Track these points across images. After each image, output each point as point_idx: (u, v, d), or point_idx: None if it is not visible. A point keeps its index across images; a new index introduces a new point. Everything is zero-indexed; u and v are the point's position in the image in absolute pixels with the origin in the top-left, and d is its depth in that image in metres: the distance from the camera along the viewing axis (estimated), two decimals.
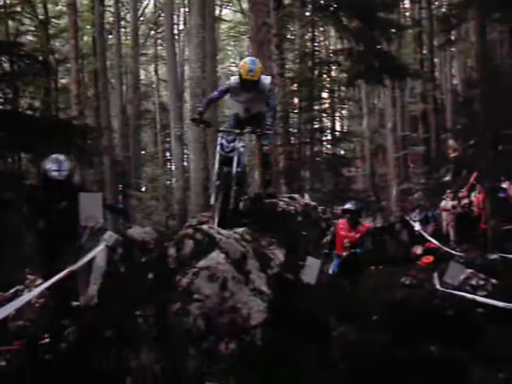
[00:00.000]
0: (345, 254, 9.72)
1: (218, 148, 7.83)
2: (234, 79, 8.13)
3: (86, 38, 32.24)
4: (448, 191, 19.71)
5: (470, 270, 9.45)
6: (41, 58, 22.19)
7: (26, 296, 4.47)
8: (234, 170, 7.52)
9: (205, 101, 9.10)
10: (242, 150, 7.83)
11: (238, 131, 7.89)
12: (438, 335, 6.48)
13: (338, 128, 34.18)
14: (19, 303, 4.80)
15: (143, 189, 32.29)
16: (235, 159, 7.67)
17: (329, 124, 30.36)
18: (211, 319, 4.89)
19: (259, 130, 7.95)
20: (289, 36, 26.23)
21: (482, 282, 9.10)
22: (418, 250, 16.01)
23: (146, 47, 40.01)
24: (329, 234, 10.24)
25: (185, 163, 23.87)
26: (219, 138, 7.89)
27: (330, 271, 9.72)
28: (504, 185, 16.28)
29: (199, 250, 5.34)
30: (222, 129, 8.32)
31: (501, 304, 6.35)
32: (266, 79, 8.10)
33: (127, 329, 5.00)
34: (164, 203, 28.52)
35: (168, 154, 35.63)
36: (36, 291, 4.63)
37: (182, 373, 4.70)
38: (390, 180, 26.28)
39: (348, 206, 10.20)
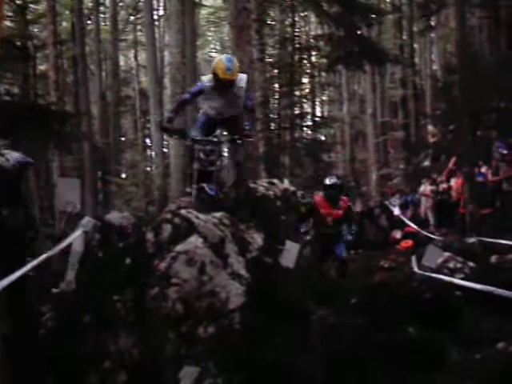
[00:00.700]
0: (346, 237, 9.39)
1: (196, 163, 7.07)
2: (207, 79, 7.35)
3: (64, 24, 31.90)
4: (427, 176, 19.86)
5: (447, 254, 9.55)
6: (19, 43, 21.97)
7: (4, 281, 4.41)
8: (214, 193, 6.93)
9: (175, 106, 8.03)
10: (225, 162, 7.21)
11: (215, 140, 7.12)
12: (416, 318, 6.54)
13: (318, 114, 34.22)
14: None
15: (123, 175, 32.11)
16: (215, 176, 7.04)
17: (309, 110, 30.36)
18: (189, 303, 4.89)
19: (238, 137, 7.19)
20: (269, 21, 26.13)
21: (459, 265, 9.20)
22: (397, 234, 16.16)
23: (126, 33, 39.63)
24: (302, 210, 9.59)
25: (165, 149, 23.76)
26: (196, 150, 7.09)
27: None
28: (482, 169, 16.41)
29: (177, 234, 5.33)
30: (197, 138, 7.21)
31: (478, 286, 6.40)
32: (242, 79, 7.27)
33: (105, 314, 4.98)
34: (144, 189, 28.40)
35: (148, 140, 35.45)
36: (13, 276, 4.57)
37: (161, 357, 4.70)
38: (370, 165, 26.39)
39: (331, 180, 9.55)
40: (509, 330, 6.48)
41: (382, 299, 6.92)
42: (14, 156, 5.50)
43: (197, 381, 4.51)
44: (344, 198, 9.54)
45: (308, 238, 9.54)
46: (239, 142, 7.28)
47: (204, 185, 7.03)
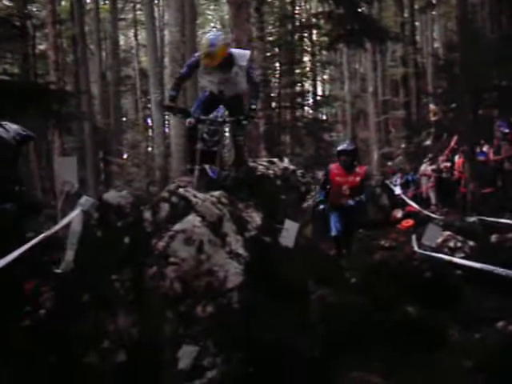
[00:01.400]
0: (347, 202, 8.92)
1: (199, 142, 6.97)
2: (198, 54, 7.09)
3: (63, 3, 31.71)
4: (428, 155, 19.82)
5: (448, 233, 9.54)
6: (17, 23, 21.82)
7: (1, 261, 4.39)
8: (216, 175, 7.05)
9: (174, 81, 7.67)
10: (227, 142, 7.25)
11: (220, 120, 7.13)
12: (416, 297, 6.53)
13: (319, 92, 34.08)
14: None
15: (124, 156, 32.09)
16: (218, 156, 7.13)
17: (310, 88, 30.24)
18: (188, 282, 4.87)
19: (243, 118, 6.99)
20: None
21: (459, 244, 9.19)
22: (398, 213, 16.15)
23: (125, 12, 39.45)
24: (320, 182, 9.51)
25: (166, 129, 23.74)
26: (199, 130, 7.00)
27: (333, 231, 9.04)
28: (484, 148, 16.36)
29: (175, 213, 5.30)
30: (202, 117, 7.08)
31: (478, 265, 6.38)
32: (243, 56, 6.97)
33: (104, 293, 4.97)
34: (145, 170, 28.39)
35: (149, 120, 35.39)
36: (10, 257, 4.55)
37: (160, 336, 4.69)
38: (371, 144, 26.30)
39: (343, 146, 9.32)
40: (509, 309, 6.48)
41: (382, 278, 6.92)
42: (13, 128, 5.43)
43: (195, 360, 4.50)
44: (361, 166, 9.38)
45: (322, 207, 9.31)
46: (245, 122, 7.14)
47: (206, 166, 7.12)
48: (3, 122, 5.43)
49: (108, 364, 4.60)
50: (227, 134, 7.59)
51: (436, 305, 6.47)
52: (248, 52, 7.28)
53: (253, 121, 7.56)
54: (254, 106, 7.08)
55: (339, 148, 9.30)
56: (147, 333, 4.72)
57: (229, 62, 6.87)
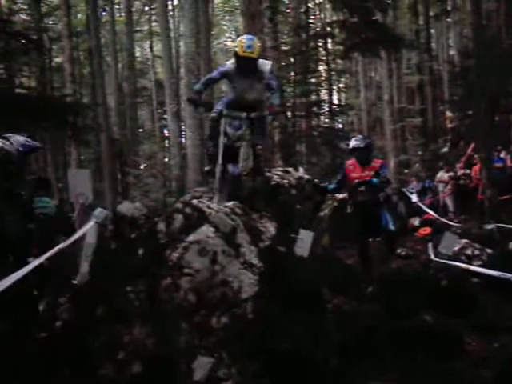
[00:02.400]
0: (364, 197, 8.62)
1: (222, 137, 7.20)
2: (230, 63, 7.43)
3: (79, 16, 32.00)
4: (445, 162, 19.74)
5: (465, 240, 9.47)
6: (34, 36, 22.05)
7: (19, 273, 4.43)
8: (238, 173, 7.14)
9: (203, 80, 8.07)
10: (248, 137, 7.36)
11: (244, 115, 7.23)
12: (433, 305, 6.49)
13: (334, 101, 34.04)
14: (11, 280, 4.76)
15: (141, 166, 32.23)
16: (241, 152, 7.23)
17: (325, 97, 30.21)
18: (202, 293, 4.87)
19: (268, 113, 7.35)
20: (282, 9, 26.00)
21: (477, 252, 9.11)
22: (416, 221, 16.08)
23: (141, 24, 39.74)
24: (337, 177, 9.25)
25: (182, 140, 23.81)
26: (223, 124, 7.23)
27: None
28: (501, 155, 16.25)
29: (189, 224, 5.31)
30: (226, 112, 7.34)
31: (495, 273, 6.34)
32: (267, 64, 7.34)
33: (119, 305, 4.98)
34: (162, 180, 28.48)
35: (165, 130, 35.53)
36: (27, 268, 4.59)
37: (174, 347, 4.69)
38: (388, 152, 26.18)
39: (354, 143, 9.04)
40: None
41: (398, 287, 6.88)
42: (17, 139, 5.46)
43: (211, 371, 4.49)
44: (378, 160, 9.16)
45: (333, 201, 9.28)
46: (270, 116, 7.57)
47: (229, 165, 7.17)
48: (8, 135, 5.47)
49: (123, 375, 4.59)
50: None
51: (453, 313, 6.43)
52: (270, 62, 7.70)
53: (277, 116, 7.69)
54: (276, 102, 7.29)
55: (351, 145, 9.09)
56: (162, 344, 4.72)
57: (254, 67, 7.23)
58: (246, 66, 7.15)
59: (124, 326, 4.86)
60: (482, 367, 5.38)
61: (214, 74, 7.72)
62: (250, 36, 7.51)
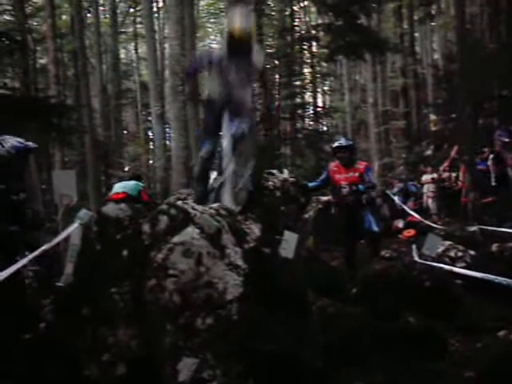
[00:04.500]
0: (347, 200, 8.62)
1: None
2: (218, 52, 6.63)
3: (64, 17, 31.86)
4: (429, 165, 19.86)
5: (448, 242, 9.53)
6: (18, 37, 21.89)
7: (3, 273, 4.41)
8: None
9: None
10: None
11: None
12: (417, 307, 6.53)
13: (319, 104, 34.14)
14: None
15: (125, 168, 32.13)
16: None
17: (310, 100, 30.32)
18: (187, 294, 4.86)
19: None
20: (267, 11, 26.05)
21: (460, 254, 9.17)
22: (400, 223, 16.16)
23: (126, 25, 39.61)
24: (320, 177, 9.25)
25: (167, 142, 23.77)
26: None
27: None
28: (484, 157, 16.35)
29: (174, 225, 5.29)
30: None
31: (478, 275, 6.39)
32: (260, 53, 6.70)
33: (104, 306, 4.96)
34: (146, 182, 28.41)
35: (150, 132, 35.46)
36: (11, 270, 4.57)
37: (159, 348, 4.68)
38: (372, 155, 26.31)
39: (338, 142, 9.09)
40: (510, 318, 6.48)
41: (382, 288, 6.92)
42: (9, 141, 5.44)
43: (195, 372, 4.49)
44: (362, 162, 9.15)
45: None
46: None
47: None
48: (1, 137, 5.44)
49: (108, 377, 4.59)
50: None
51: (437, 314, 6.46)
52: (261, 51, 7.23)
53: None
54: None
55: (334, 145, 9.13)
56: (147, 345, 4.71)
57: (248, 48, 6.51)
58: (239, 49, 6.33)
59: (108, 328, 4.85)
60: (465, 367, 5.42)
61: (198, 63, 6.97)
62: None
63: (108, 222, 6.03)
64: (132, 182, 11.28)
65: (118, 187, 10.94)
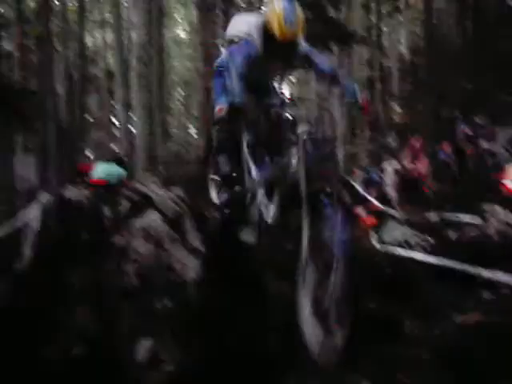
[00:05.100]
0: None
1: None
2: (248, 35, 4.81)
3: (31, 4, 31.37)
4: (392, 156, 20.03)
5: (408, 229, 9.66)
6: None
7: None
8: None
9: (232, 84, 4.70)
10: None
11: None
12: (376, 292, 6.61)
13: (286, 94, 34.14)
14: None
15: (89, 154, 31.84)
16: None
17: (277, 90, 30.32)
18: (147, 278, 4.89)
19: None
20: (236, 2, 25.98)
21: (420, 241, 9.30)
22: (361, 211, 16.27)
23: (93, 13, 39.14)
24: None
25: (131, 129, 23.63)
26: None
27: None
28: (446, 148, 16.61)
29: (135, 209, 5.31)
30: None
31: (437, 261, 6.50)
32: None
33: (62, 289, 4.96)
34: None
35: (114, 119, 35.19)
36: None
37: (118, 331, 4.70)
38: (337, 144, 26.46)
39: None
40: (467, 303, 6.60)
41: None
42: None
43: (153, 354, 4.51)
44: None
45: None
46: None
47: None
48: None
49: (66, 359, 4.58)
50: None
51: (396, 300, 6.55)
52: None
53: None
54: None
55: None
56: (106, 328, 4.72)
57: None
58: (283, 50, 4.72)
59: (67, 309, 4.84)
60: (422, 350, 5.51)
61: (238, 63, 4.69)
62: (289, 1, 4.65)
63: (69, 206, 6.02)
64: (116, 169, 10.26)
65: (101, 171, 9.96)
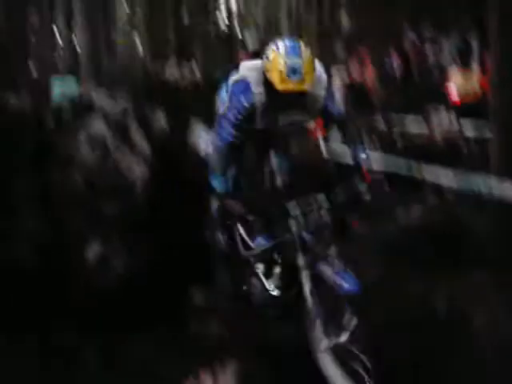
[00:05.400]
0: None
1: None
2: (254, 79, 3.92)
3: None
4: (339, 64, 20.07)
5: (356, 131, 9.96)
6: None
7: None
8: None
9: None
10: None
11: None
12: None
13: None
14: None
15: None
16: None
17: None
18: (94, 183, 4.91)
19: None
20: None
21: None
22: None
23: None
24: None
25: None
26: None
27: None
28: (393, 56, 16.76)
29: (80, 115, 5.27)
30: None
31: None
32: (320, 78, 3.98)
33: (8, 195, 4.93)
34: None
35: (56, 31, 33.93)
36: None
37: (67, 235, 4.75)
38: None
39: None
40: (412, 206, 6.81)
41: None
42: None
43: (102, 257, 4.60)
44: None
45: None
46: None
47: None
48: None
49: (18, 264, 4.62)
50: None
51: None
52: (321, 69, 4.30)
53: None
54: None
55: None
56: (54, 232, 4.76)
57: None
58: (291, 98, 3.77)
59: (16, 217, 4.85)
60: (366, 251, 5.70)
61: (228, 128, 3.97)
62: (294, 44, 3.83)
63: (11, 115, 5.91)
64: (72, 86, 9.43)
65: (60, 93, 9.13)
